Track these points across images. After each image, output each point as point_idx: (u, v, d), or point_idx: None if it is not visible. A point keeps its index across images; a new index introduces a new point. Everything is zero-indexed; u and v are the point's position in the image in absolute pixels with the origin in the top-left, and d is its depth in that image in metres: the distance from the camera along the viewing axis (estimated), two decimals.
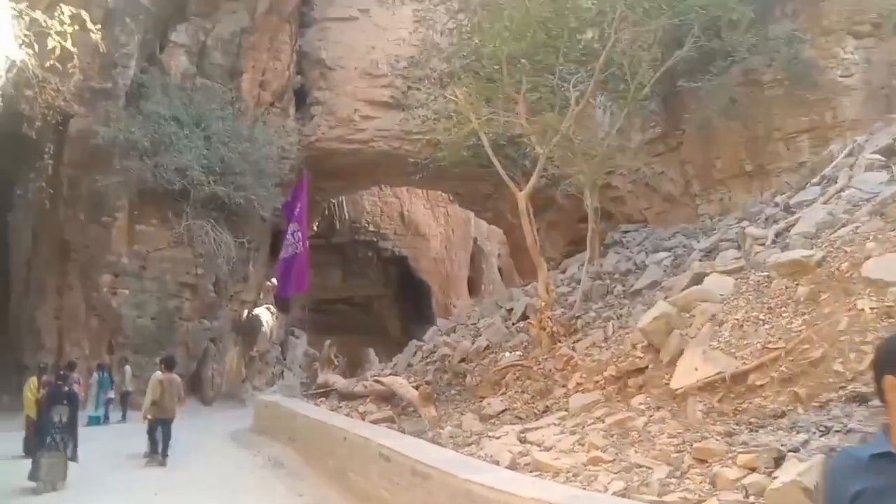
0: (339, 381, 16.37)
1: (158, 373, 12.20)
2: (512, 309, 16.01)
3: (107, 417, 17.30)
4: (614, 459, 6.66)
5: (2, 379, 19.00)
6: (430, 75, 22.68)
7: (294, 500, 8.79)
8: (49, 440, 9.24)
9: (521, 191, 13.99)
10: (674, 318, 8.97)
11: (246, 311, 25.29)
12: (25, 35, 13.13)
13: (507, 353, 12.69)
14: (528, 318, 15.04)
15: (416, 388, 12.04)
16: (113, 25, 20.06)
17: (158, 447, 11.51)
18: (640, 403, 8.17)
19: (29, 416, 11.70)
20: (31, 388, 11.86)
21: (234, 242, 21.68)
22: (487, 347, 14.15)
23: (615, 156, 16.79)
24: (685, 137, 17.66)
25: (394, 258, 35.78)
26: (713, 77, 15.04)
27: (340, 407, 14.53)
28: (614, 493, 5.65)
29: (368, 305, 37.23)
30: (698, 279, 10.23)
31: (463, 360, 14.45)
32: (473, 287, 37.51)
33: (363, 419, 12.02)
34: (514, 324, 15.18)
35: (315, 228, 29.22)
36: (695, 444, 6.43)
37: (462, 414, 10.94)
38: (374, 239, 35.40)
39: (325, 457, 10.09)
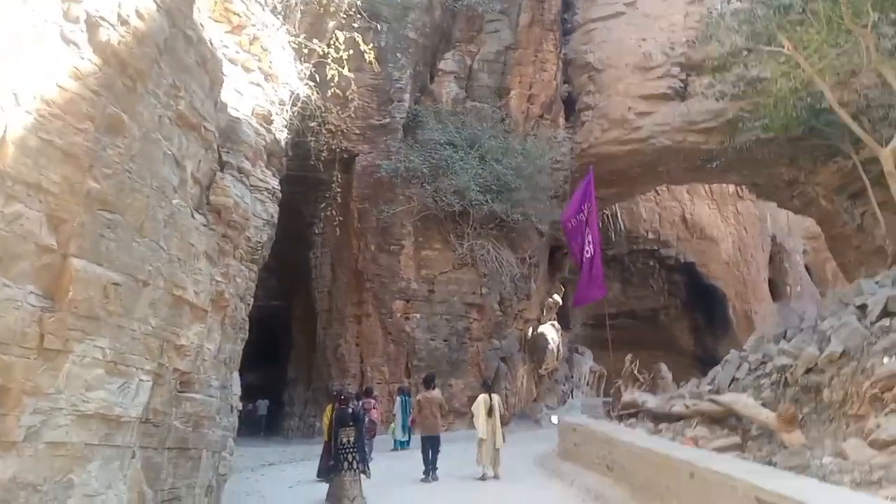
0: (648, 399, 14.28)
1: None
2: (865, 305, 12.63)
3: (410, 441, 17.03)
4: None
5: (315, 406, 19.91)
6: (714, 54, 19.97)
7: None
8: (340, 461, 9.62)
9: (884, 147, 10.80)
10: None
11: (531, 329, 24.26)
12: (305, 66, 13.24)
13: (887, 359, 9.66)
14: (892, 314, 11.73)
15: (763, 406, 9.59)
16: (386, 63, 20.53)
17: (429, 465, 11.76)
18: None
19: (326, 441, 11.88)
20: (327, 414, 12.12)
21: (515, 259, 20.83)
22: (844, 354, 11.11)
23: None
24: None
25: (678, 265, 32.65)
26: None
27: (660, 430, 12.44)
28: None
29: (654, 318, 34.39)
30: None
31: (809, 370, 11.53)
32: (775, 290, 32.82)
33: (696, 445, 9.87)
34: (873, 323, 11.88)
35: None
36: None
37: (838, 440, 8.32)
38: (655, 247, 32.64)
39: (661, 495, 8.16)
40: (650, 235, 32.52)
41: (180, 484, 4.30)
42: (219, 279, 4.54)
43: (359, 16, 19.38)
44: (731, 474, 6.55)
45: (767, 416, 9.42)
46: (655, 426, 13.23)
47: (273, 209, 10.14)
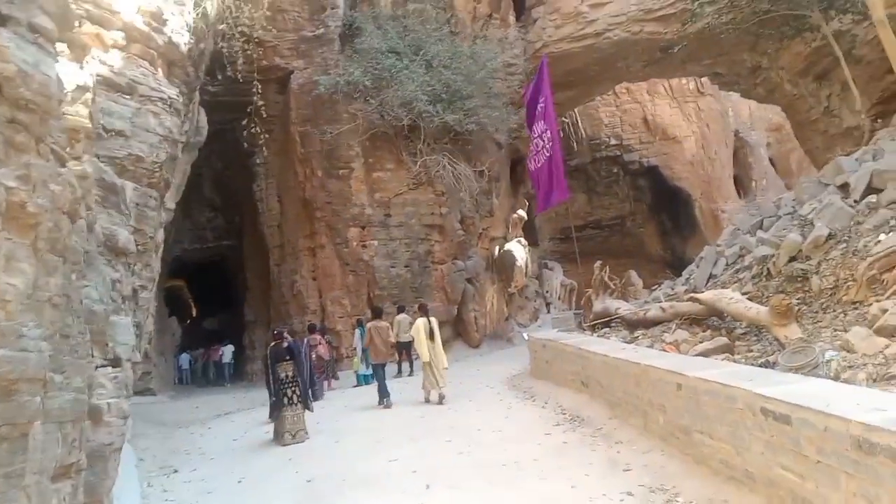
0: (622, 305, 13.24)
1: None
2: (847, 184, 11.55)
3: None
4: None
5: None
6: None
7: (624, 479, 5.92)
8: (280, 396, 9.38)
9: None
10: None
11: (497, 248, 23.09)
12: None
13: (883, 236, 8.58)
14: (877, 189, 10.69)
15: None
16: None
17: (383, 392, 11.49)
18: None
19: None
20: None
21: (473, 174, 19.39)
22: (831, 237, 10.07)
23: None
24: None
25: (642, 170, 31.51)
26: None
27: (637, 338, 11.41)
28: None
29: (620, 225, 33.45)
30: None
31: (793, 258, 10.50)
32: (741, 186, 31.97)
33: (678, 351, 8.82)
34: (857, 201, 10.83)
35: None
36: None
37: (837, 331, 7.27)
38: (618, 153, 31.40)
39: (644, 411, 7.10)
40: (612, 141, 31.22)
41: None
42: (11, 183, 3.04)
43: None
44: (727, 382, 5.42)
45: (758, 310, 8.34)
46: (631, 334, 12.22)
47: (172, 123, 8.55)
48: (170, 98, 8.58)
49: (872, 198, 10.45)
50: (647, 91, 30.43)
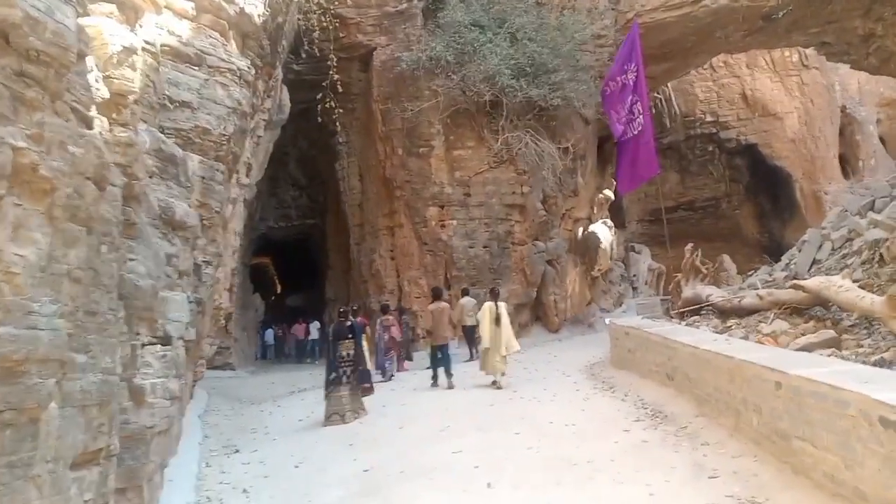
0: (714, 292, 12.27)
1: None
2: None
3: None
4: None
5: None
6: None
7: (710, 487, 5.22)
8: (339, 374, 9.25)
9: None
10: None
11: (581, 229, 22.15)
12: None
13: None
14: None
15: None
16: None
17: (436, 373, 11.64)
18: None
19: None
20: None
21: (557, 152, 18.55)
22: None
23: None
24: None
25: (740, 148, 29.56)
26: None
27: (729, 328, 10.50)
28: None
29: (715, 207, 31.58)
30: None
31: None
32: (847, 166, 29.51)
33: (776, 344, 7.92)
34: None
35: None
36: None
37: None
38: (714, 130, 29.55)
39: (736, 410, 6.32)
40: (708, 118, 29.39)
41: None
42: (20, 143, 2.70)
43: None
44: (836, 384, 4.63)
45: (872, 300, 7.34)
46: (723, 323, 11.29)
47: (241, 95, 8.29)
48: (240, 70, 8.32)
49: None
50: (747, 64, 28.42)
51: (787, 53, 27.88)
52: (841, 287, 8.33)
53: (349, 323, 9.77)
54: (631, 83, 12.73)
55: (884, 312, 7.12)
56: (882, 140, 30.26)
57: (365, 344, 11.49)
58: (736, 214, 31.42)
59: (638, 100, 12.65)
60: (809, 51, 27.01)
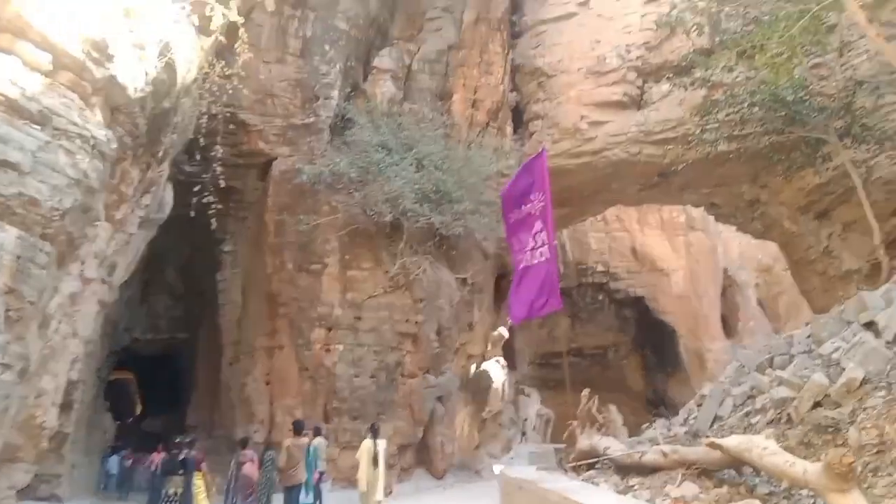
0: (612, 445, 11.07)
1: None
2: (872, 322, 9.78)
3: (318, 498, 13.06)
4: None
5: (217, 458, 15.99)
6: (673, 57, 17.86)
7: None
8: None
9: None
10: None
11: (474, 366, 20.92)
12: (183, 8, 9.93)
13: None
14: None
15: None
16: (311, 55, 17.45)
17: None
18: None
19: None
20: None
21: (456, 282, 17.60)
22: (866, 381, 8.21)
23: None
24: None
25: (628, 300, 29.96)
26: None
27: (633, 487, 9.22)
28: None
29: (602, 356, 31.43)
30: None
31: (818, 404, 8.59)
32: (727, 326, 30.36)
33: None
34: (890, 342, 9.06)
35: None
36: None
37: None
38: (604, 280, 29.93)
39: None
40: (599, 268, 29.84)
41: None
42: None
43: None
44: None
45: (805, 468, 6.30)
46: (623, 480, 10.01)
47: (91, 167, 6.74)
48: (95, 139, 6.83)
49: None
50: (638, 221, 29.48)
51: (674, 214, 29.16)
52: (766, 449, 7.28)
53: (182, 456, 8.55)
54: (537, 212, 12.17)
55: (820, 484, 6.06)
56: (760, 304, 31.61)
57: (198, 482, 9.41)
58: (622, 365, 31.35)
59: (543, 229, 12.02)
60: (695, 213, 28.40)
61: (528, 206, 12.69)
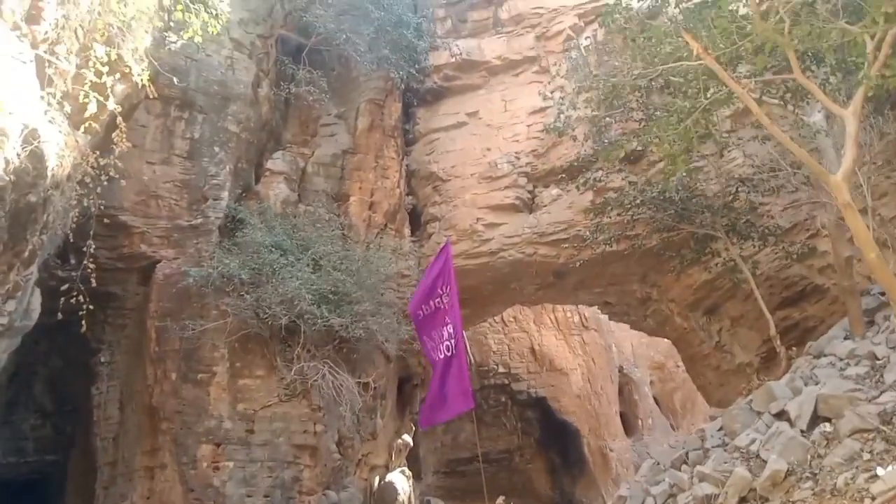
0: None
1: None
2: (783, 412, 9.81)
3: None
4: None
5: None
6: (560, 163, 18.63)
7: None
8: None
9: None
10: None
11: (377, 479, 19.54)
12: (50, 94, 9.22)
13: (882, 471, 6.59)
14: (825, 418, 8.96)
15: None
16: (200, 156, 16.83)
17: None
18: None
19: None
20: None
21: (357, 387, 16.61)
22: (789, 473, 8.03)
23: None
24: None
25: (531, 401, 29.59)
26: None
27: None
28: None
29: (508, 460, 30.51)
30: None
31: (743, 499, 8.32)
32: (627, 424, 30.45)
33: None
34: (804, 431, 9.03)
35: None
36: None
37: None
38: (506, 381, 29.54)
39: None
40: (500, 369, 29.52)
41: None
42: None
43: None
44: None
45: None
46: None
47: None
48: None
49: (826, 426, 8.67)
50: (534, 321, 29.70)
51: (569, 314, 29.63)
52: None
53: None
54: (445, 306, 11.77)
55: None
56: (656, 400, 32.08)
57: None
58: (528, 468, 30.50)
59: (451, 323, 11.57)
60: (589, 312, 28.97)
61: (437, 300, 12.34)
